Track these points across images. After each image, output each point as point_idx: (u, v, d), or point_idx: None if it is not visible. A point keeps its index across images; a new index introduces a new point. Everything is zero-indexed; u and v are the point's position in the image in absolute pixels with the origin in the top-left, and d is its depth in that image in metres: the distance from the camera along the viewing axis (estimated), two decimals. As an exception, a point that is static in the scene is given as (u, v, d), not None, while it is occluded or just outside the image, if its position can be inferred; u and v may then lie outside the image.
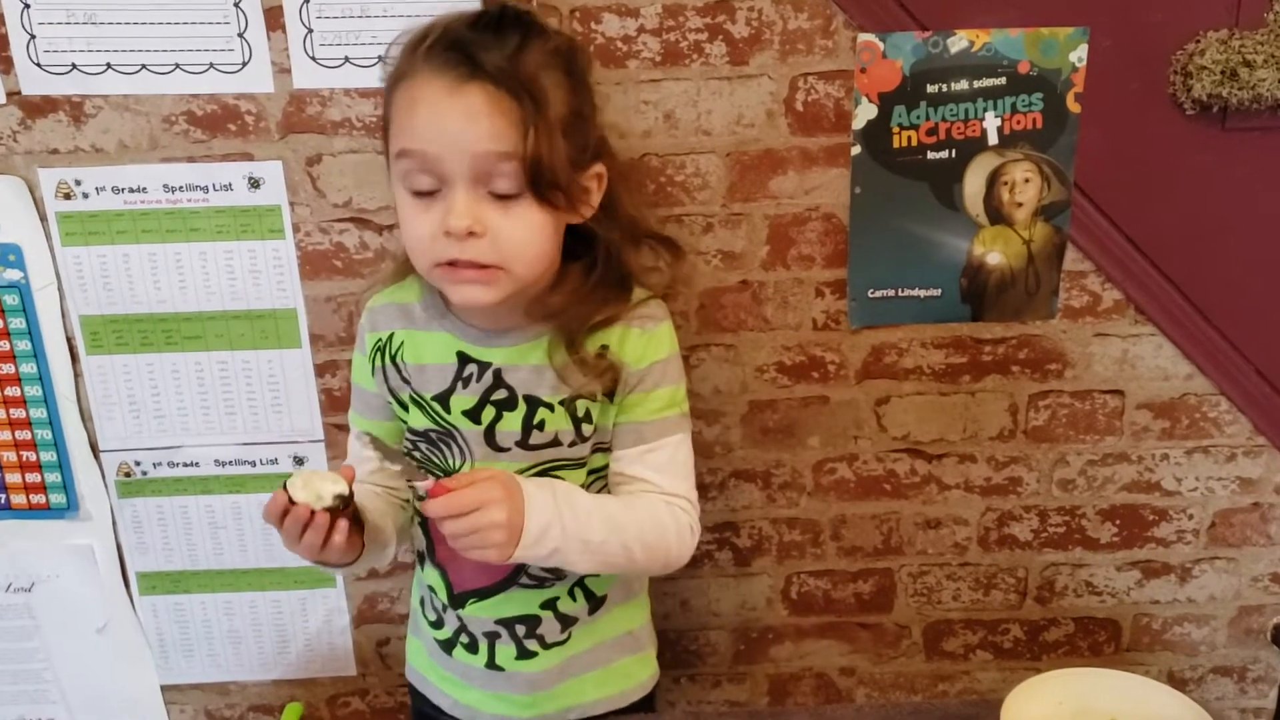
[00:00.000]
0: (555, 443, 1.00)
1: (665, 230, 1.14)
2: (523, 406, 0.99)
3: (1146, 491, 1.40)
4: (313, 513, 0.90)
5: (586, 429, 1.00)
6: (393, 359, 1.04)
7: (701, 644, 1.48)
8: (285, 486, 0.91)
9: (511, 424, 1.00)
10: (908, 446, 1.37)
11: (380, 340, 1.05)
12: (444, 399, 1.01)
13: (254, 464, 1.35)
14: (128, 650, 1.43)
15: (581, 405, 0.99)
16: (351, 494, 0.92)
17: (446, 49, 0.88)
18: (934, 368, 1.33)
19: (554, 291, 0.98)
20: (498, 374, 1.00)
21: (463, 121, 0.87)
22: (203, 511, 1.37)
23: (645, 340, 1.00)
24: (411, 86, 0.90)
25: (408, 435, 1.05)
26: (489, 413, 1.00)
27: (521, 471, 0.99)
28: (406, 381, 1.03)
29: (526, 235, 0.91)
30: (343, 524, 0.91)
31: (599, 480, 1.05)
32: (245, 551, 1.39)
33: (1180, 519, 1.42)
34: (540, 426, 0.99)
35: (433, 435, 1.02)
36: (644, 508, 1.01)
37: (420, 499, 0.90)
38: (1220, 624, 1.48)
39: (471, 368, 1.00)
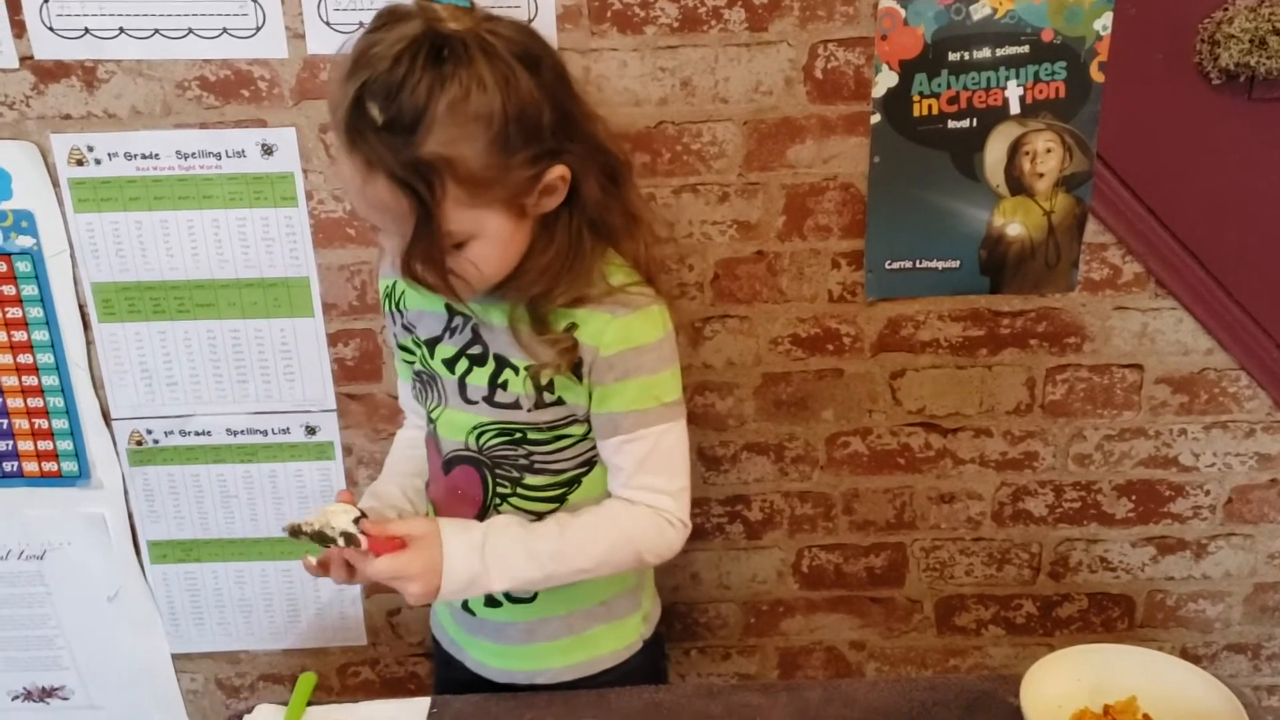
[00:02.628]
0: (516, 405, 1.00)
1: (647, 212, 1.09)
2: (491, 364, 1.00)
3: (1163, 467, 1.39)
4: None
5: (548, 397, 1.00)
6: (396, 305, 1.06)
7: (711, 616, 1.48)
8: (291, 533, 0.93)
9: (479, 379, 1.01)
10: (923, 420, 1.37)
11: (389, 286, 1.07)
12: (432, 345, 1.03)
13: (266, 433, 1.34)
14: (139, 618, 1.44)
15: (545, 374, 0.99)
16: (361, 515, 0.94)
17: (354, 133, 0.84)
18: (951, 340, 1.32)
19: (517, 272, 0.96)
20: (475, 329, 1.01)
21: (375, 208, 0.88)
22: (214, 480, 1.37)
23: (615, 326, 0.97)
24: (337, 149, 0.89)
25: (414, 373, 1.08)
26: (463, 364, 1.02)
27: (485, 426, 1.01)
28: (408, 328, 1.05)
29: (474, 270, 0.92)
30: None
31: (571, 446, 1.04)
32: (256, 520, 1.39)
33: (1197, 495, 1.41)
34: (504, 386, 1.00)
35: (424, 376, 1.06)
36: (599, 524, 1.01)
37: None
38: (1235, 601, 1.47)
39: (458, 319, 1.02)
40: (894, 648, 1.50)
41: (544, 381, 0.98)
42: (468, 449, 1.03)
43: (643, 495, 1.01)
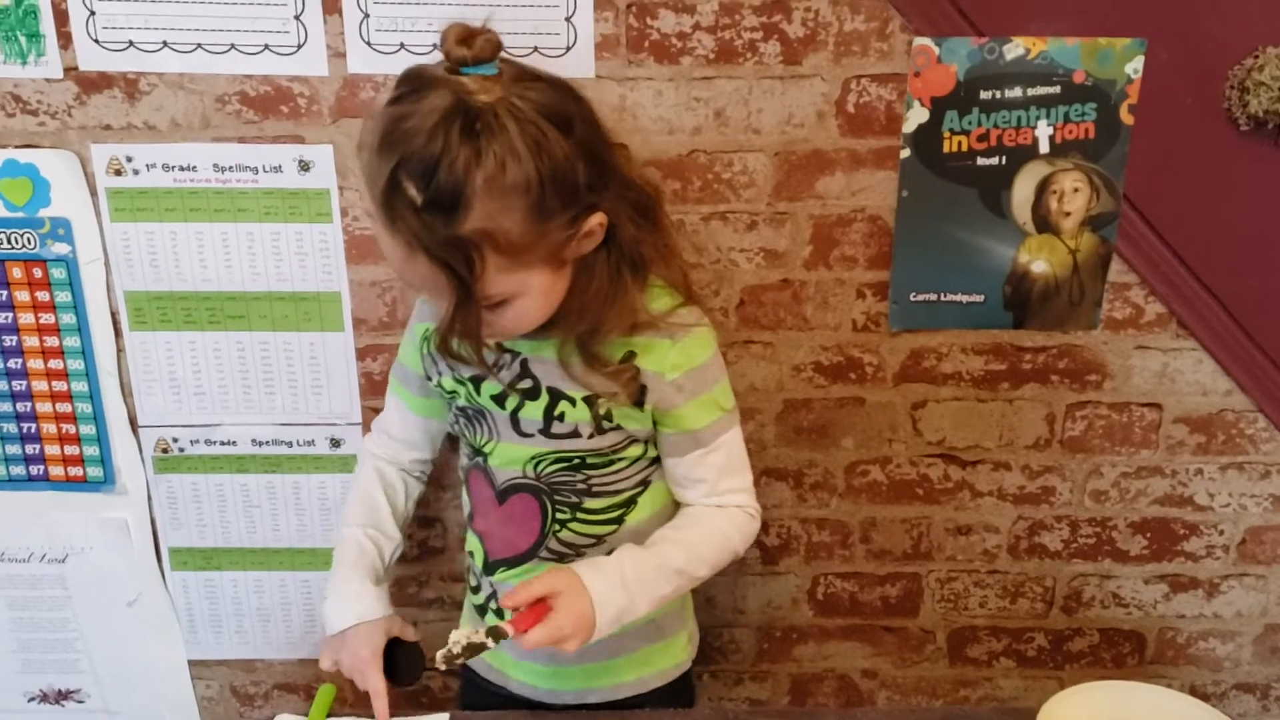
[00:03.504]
0: (575, 434, 1.02)
1: (678, 238, 1.13)
2: (545, 397, 1.02)
3: (1179, 506, 1.40)
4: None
5: (607, 425, 1.02)
6: (436, 348, 1.05)
7: (725, 640, 1.49)
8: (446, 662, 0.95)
9: (533, 412, 1.02)
10: (942, 452, 1.38)
11: (428, 330, 1.08)
12: (477, 381, 1.04)
13: (291, 445, 1.35)
14: (157, 624, 1.45)
15: (604, 404, 1.01)
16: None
17: (393, 214, 0.85)
18: (973, 373, 1.33)
19: (559, 313, 0.98)
20: (524, 363, 1.02)
21: (418, 284, 0.91)
22: (238, 490, 1.38)
23: (676, 350, 1.01)
24: (376, 223, 0.89)
25: (454, 409, 1.09)
26: (513, 400, 1.03)
27: (543, 455, 1.02)
28: (451, 367, 1.05)
29: (518, 322, 0.94)
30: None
31: (630, 467, 1.06)
32: (278, 530, 1.40)
33: (1211, 534, 1.42)
34: (560, 418, 1.02)
35: (469, 412, 1.06)
36: (706, 531, 1.06)
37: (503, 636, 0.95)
38: (1245, 640, 1.48)
39: (505, 356, 1.03)
40: (906, 677, 1.50)
41: (602, 410, 1.00)
42: (525, 477, 1.05)
43: (730, 498, 1.07)
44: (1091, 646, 1.48)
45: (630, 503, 1.07)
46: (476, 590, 1.15)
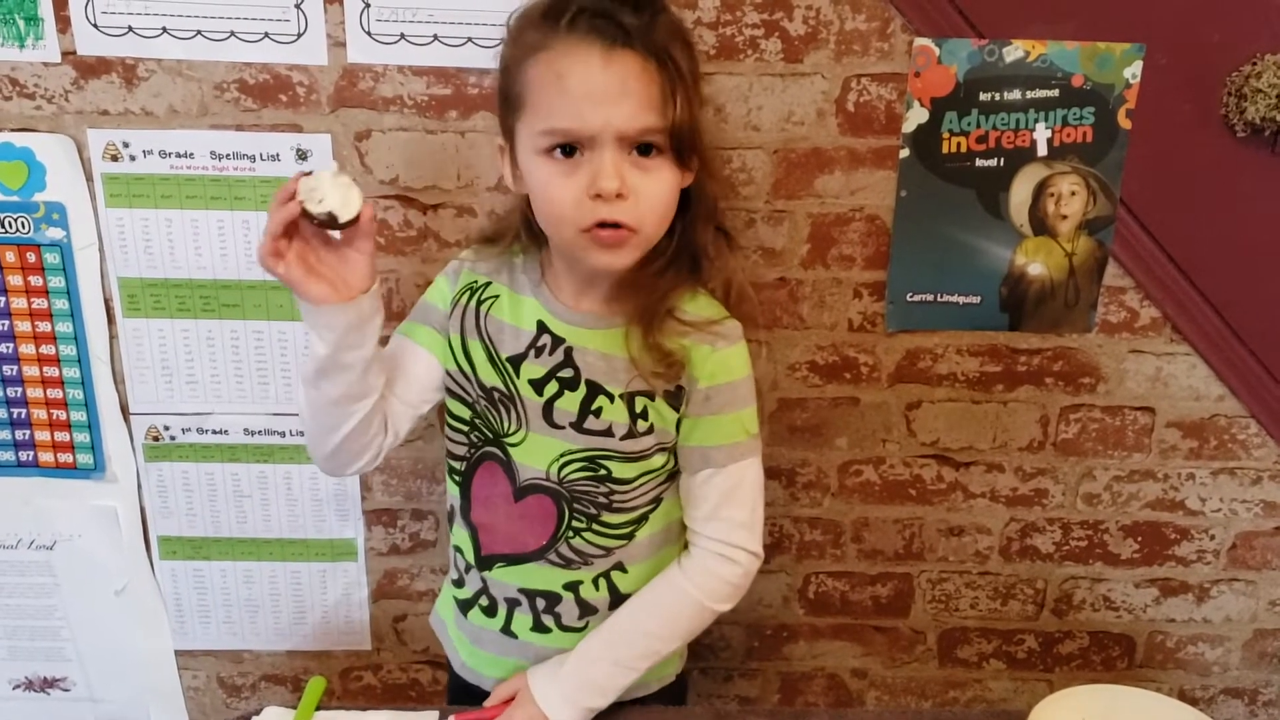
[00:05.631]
0: (609, 433, 1.00)
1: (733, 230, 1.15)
2: (584, 389, 1.00)
3: (1170, 510, 1.41)
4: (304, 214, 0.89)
5: (641, 425, 1.00)
6: (479, 304, 1.04)
7: (715, 638, 1.49)
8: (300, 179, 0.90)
9: (570, 404, 1.00)
10: (936, 453, 1.38)
11: (475, 282, 1.05)
12: (516, 362, 1.02)
13: (283, 434, 1.35)
14: (144, 613, 1.44)
15: (640, 402, 0.99)
16: (355, 219, 0.90)
17: (594, 16, 0.88)
18: (968, 375, 1.33)
19: (644, 265, 0.98)
20: (569, 351, 1.00)
21: (618, 93, 0.88)
22: (229, 479, 1.37)
23: (714, 359, 0.99)
24: (554, 59, 0.89)
25: (474, 388, 1.03)
26: (551, 387, 1.01)
27: (571, 455, 1.01)
28: (482, 335, 1.03)
29: (661, 196, 0.93)
30: (315, 247, 0.92)
31: (651, 481, 1.04)
32: (269, 521, 1.39)
33: (1202, 539, 1.42)
34: (597, 413, 1.00)
35: (496, 395, 1.03)
36: (662, 604, 1.05)
37: None
38: (1234, 645, 1.48)
39: (546, 338, 1.01)
40: (895, 677, 1.50)
41: (639, 409, 0.99)
42: (548, 479, 1.02)
43: (721, 529, 1.02)
44: (1081, 649, 1.49)
45: (643, 519, 1.05)
46: (460, 585, 1.12)
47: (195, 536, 1.40)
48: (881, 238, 1.27)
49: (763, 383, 1.31)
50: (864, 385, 1.35)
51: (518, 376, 1.01)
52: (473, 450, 1.06)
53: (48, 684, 1.47)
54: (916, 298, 1.29)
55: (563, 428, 1.01)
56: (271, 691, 1.50)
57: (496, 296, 1.04)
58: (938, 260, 1.27)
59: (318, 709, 1.10)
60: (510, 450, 1.03)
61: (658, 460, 1.03)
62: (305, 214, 0.90)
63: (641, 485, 1.03)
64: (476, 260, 1.07)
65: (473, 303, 1.04)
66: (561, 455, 1.01)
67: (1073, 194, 1.24)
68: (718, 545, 1.03)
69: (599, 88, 0.88)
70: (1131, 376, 1.34)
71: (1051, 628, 1.47)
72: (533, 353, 1.01)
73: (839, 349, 1.33)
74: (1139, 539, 1.42)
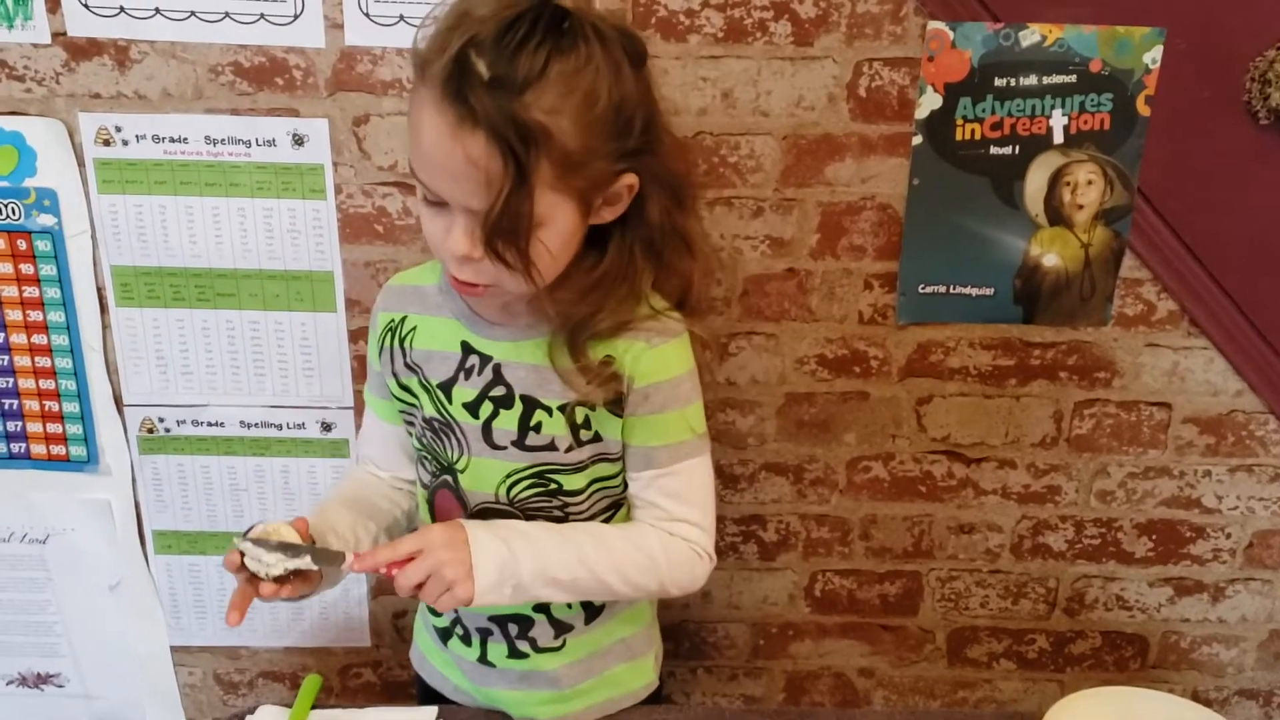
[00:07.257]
0: (551, 447, 0.96)
1: (706, 245, 1.04)
2: (519, 406, 0.96)
3: (1186, 508, 1.38)
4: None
5: (585, 435, 0.96)
6: (401, 342, 1.00)
7: (720, 636, 1.46)
8: (238, 544, 0.89)
9: (508, 423, 0.96)
10: (947, 449, 1.35)
11: (392, 321, 1.01)
12: (447, 388, 0.98)
13: (280, 427, 1.32)
14: (139, 609, 1.41)
15: (580, 412, 0.95)
16: (306, 548, 0.89)
17: (453, 80, 0.80)
18: (980, 369, 1.30)
19: (558, 288, 0.92)
20: (497, 369, 0.96)
21: (461, 172, 0.82)
22: (225, 472, 1.35)
23: (649, 355, 0.94)
24: (420, 107, 0.84)
25: (419, 421, 1.01)
26: (486, 408, 0.96)
27: (518, 474, 0.97)
28: (413, 368, 1.00)
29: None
30: (287, 589, 0.90)
31: (603, 490, 1.00)
32: (266, 515, 1.36)
33: (1218, 537, 1.39)
34: (537, 429, 0.96)
35: (435, 424, 0.99)
36: (628, 540, 0.97)
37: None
38: (1250, 646, 1.45)
39: (474, 359, 0.97)
40: (903, 677, 1.48)
41: (579, 419, 0.95)
42: (498, 502, 0.98)
43: (679, 529, 0.98)
44: (1094, 649, 1.46)
45: None
46: (437, 614, 1.08)
47: (190, 531, 1.38)
48: (893, 227, 1.24)
49: (771, 375, 1.29)
50: (874, 379, 1.32)
51: (450, 403, 0.98)
52: (432, 479, 1.03)
53: (41, 680, 1.45)
54: (928, 289, 1.26)
55: (504, 448, 0.96)
56: (269, 688, 1.48)
57: (414, 328, 1.00)
58: (951, 251, 1.24)
59: (313, 707, 1.07)
60: (459, 477, 0.99)
61: (606, 469, 0.99)
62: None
63: (593, 494, 0.99)
64: (389, 299, 1.03)
65: (395, 342, 1.01)
66: (508, 476, 0.97)
67: (1089, 183, 1.21)
68: (683, 543, 0.99)
69: (444, 158, 0.83)
70: (1148, 371, 1.30)
71: (1063, 627, 1.44)
72: (462, 375, 0.97)
73: (849, 342, 1.30)
74: (1153, 537, 1.39)
